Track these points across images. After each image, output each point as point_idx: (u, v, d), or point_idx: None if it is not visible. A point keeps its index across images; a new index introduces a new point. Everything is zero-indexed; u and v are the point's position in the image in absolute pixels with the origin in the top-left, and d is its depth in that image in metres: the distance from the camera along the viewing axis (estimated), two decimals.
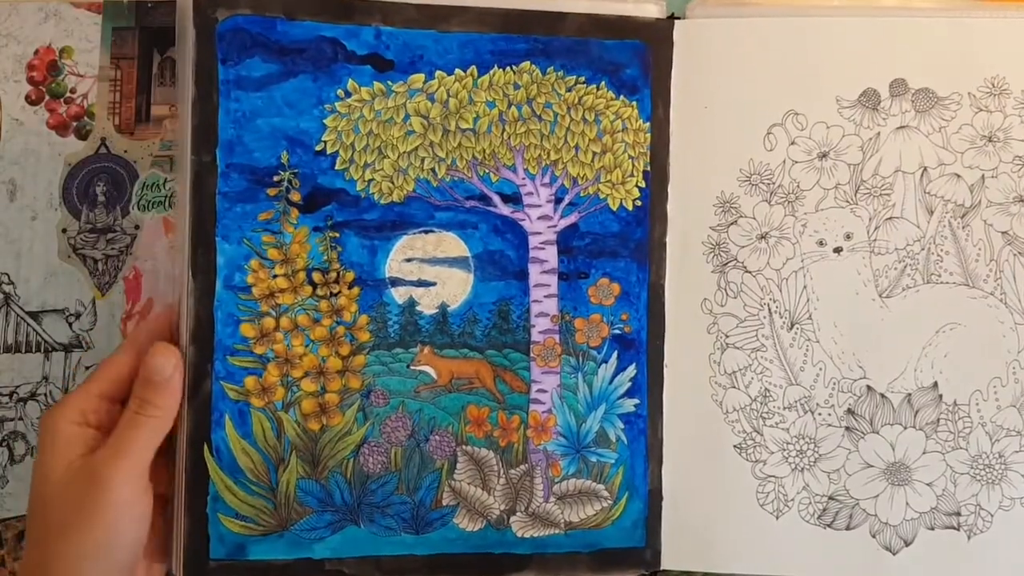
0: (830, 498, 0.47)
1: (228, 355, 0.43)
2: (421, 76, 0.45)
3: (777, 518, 0.47)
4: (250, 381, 0.43)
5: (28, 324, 0.59)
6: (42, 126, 0.61)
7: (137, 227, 0.60)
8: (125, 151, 0.61)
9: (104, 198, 0.61)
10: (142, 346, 0.43)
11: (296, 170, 0.44)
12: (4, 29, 0.62)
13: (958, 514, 0.47)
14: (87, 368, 0.58)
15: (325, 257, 0.44)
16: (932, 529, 0.47)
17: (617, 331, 0.47)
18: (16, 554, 0.55)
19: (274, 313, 0.44)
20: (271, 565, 0.44)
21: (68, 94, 0.62)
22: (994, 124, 0.48)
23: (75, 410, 0.42)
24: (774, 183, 0.48)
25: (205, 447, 0.43)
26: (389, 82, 0.45)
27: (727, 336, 0.48)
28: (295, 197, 0.44)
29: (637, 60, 0.47)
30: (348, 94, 0.44)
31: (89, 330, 0.59)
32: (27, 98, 0.61)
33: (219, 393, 0.43)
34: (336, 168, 0.44)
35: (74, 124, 0.62)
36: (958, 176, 0.48)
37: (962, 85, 0.48)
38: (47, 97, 0.62)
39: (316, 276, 0.44)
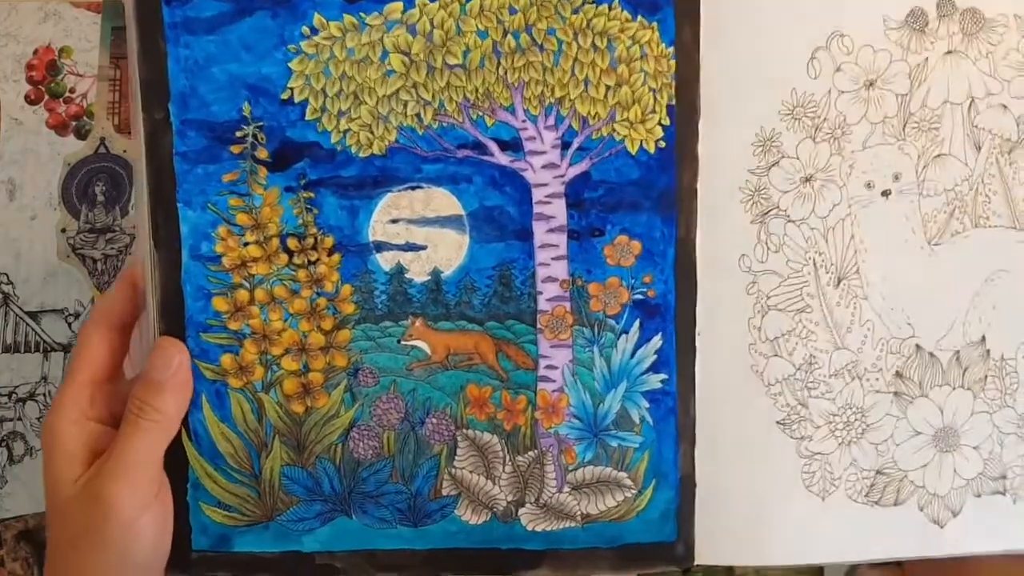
0: (878, 472, 0.43)
1: (201, 331, 0.39)
2: (399, 5, 0.39)
3: (823, 499, 0.43)
4: (226, 359, 0.40)
5: (27, 324, 0.59)
6: (41, 126, 0.62)
7: (136, 227, 0.59)
8: (124, 151, 0.62)
9: (103, 198, 0.61)
10: (111, 318, 0.40)
11: (261, 123, 0.39)
12: (4, 29, 0.62)
13: (1004, 477, 0.44)
14: None
15: (300, 221, 0.40)
16: (979, 496, 0.44)
17: (639, 296, 0.41)
18: (15, 554, 0.56)
19: (247, 285, 0.40)
20: (257, 558, 0.40)
21: (67, 94, 0.62)
22: None
23: (71, 407, 0.39)
24: (819, 117, 0.42)
25: (183, 431, 0.39)
26: (362, 14, 0.39)
27: (768, 297, 0.42)
28: (262, 154, 0.39)
29: None
30: (315, 31, 0.39)
31: None
32: (27, 98, 0.62)
33: (194, 373, 0.39)
34: (306, 119, 0.39)
35: (73, 124, 0.62)
36: (1004, 107, 0.43)
37: (1008, 5, 0.43)
38: (46, 97, 0.62)
39: (291, 242, 0.40)
